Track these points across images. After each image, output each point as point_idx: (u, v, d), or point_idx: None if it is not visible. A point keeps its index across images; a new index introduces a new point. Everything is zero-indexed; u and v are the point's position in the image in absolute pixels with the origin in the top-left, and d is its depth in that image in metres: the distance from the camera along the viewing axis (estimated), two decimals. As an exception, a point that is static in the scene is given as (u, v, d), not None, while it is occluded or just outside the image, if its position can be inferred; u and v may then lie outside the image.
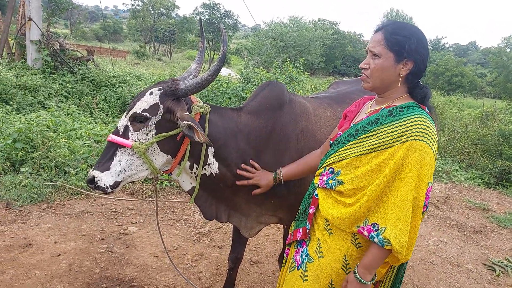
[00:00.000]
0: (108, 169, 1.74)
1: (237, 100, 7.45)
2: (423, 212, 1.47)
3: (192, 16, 45.55)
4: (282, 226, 2.44)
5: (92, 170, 1.75)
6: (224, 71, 13.57)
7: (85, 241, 3.45)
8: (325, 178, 1.63)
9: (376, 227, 1.43)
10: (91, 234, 3.57)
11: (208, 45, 46.36)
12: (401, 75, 1.51)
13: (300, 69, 9.73)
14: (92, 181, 1.74)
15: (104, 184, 1.73)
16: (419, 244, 4.33)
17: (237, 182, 1.98)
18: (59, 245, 3.32)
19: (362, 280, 1.48)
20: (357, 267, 1.50)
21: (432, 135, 1.42)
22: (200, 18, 1.98)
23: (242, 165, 1.98)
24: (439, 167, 7.54)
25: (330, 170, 1.62)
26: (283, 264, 1.96)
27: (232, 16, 46.98)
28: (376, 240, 1.43)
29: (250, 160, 2.00)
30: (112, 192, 1.77)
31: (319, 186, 1.66)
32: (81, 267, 3.05)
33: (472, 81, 40.85)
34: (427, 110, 1.52)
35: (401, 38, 1.47)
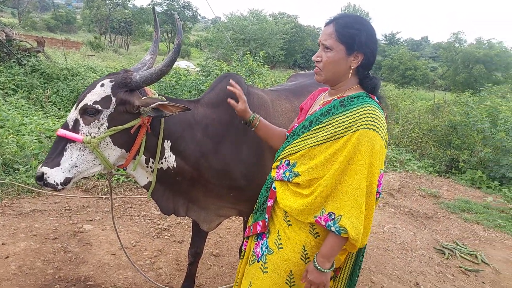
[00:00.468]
0: (58, 165, 1.66)
1: (196, 93, 7.36)
2: (376, 198, 1.52)
3: (149, 6, 44.32)
4: (242, 218, 2.44)
5: (41, 167, 1.67)
6: (183, 64, 13.33)
7: (37, 241, 3.29)
8: (281, 170, 1.65)
9: (333, 216, 1.46)
10: (43, 234, 3.41)
11: (166, 37, 45.41)
12: (352, 67, 1.55)
13: (260, 62, 9.74)
14: (41, 178, 1.66)
15: (54, 181, 1.66)
16: (375, 231, 4.49)
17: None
18: (7, 247, 3.14)
19: (321, 269, 1.51)
20: (316, 256, 1.53)
21: (381, 123, 1.47)
22: (153, 7, 1.92)
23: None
24: (393, 157, 7.85)
25: (286, 162, 1.64)
26: (241, 257, 1.96)
27: (191, 8, 46.25)
28: (333, 228, 1.46)
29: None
30: (63, 189, 1.69)
31: (276, 179, 1.67)
32: (32, 268, 2.91)
33: (424, 74, 42.71)
34: (376, 100, 1.56)
35: (352, 31, 1.51)
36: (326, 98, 1.68)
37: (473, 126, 8.16)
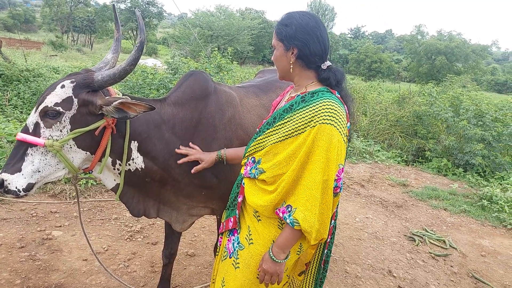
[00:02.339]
0: (19, 170, 1.59)
1: (165, 92, 7.24)
2: (336, 193, 1.53)
3: (112, 3, 43.19)
4: (216, 217, 2.43)
5: (1, 173, 1.59)
6: (150, 62, 13.10)
7: (2, 251, 3.15)
8: (248, 168, 1.66)
9: (289, 208, 1.49)
10: (8, 243, 3.27)
11: (132, 34, 44.41)
12: (291, 62, 1.59)
13: (229, 58, 9.70)
14: (1, 185, 1.58)
15: (16, 187, 1.58)
16: (348, 222, 4.58)
17: (179, 161, 1.91)
18: (-29, 258, 2.99)
19: (275, 259, 1.54)
20: (272, 247, 1.56)
21: (340, 118, 1.48)
22: (113, 4, 1.85)
23: (181, 146, 1.93)
24: (362, 149, 8.02)
25: (252, 159, 1.66)
26: (216, 254, 1.96)
27: (156, 4, 45.39)
28: (288, 220, 1.49)
29: (190, 143, 1.96)
30: (25, 195, 1.62)
31: (244, 175, 1.69)
32: (-2, 279, 2.79)
33: (389, 66, 43.84)
34: (337, 95, 1.58)
35: (282, 28, 1.58)
36: (291, 94, 1.70)
37: (437, 115, 8.44)
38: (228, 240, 1.79)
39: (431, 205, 5.53)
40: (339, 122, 1.47)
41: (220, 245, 1.92)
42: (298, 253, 1.66)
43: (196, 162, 1.95)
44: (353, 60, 46.17)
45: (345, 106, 1.58)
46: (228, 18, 35.11)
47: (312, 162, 1.45)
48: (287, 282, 1.81)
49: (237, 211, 1.73)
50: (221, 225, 1.90)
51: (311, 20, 1.56)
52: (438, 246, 4.24)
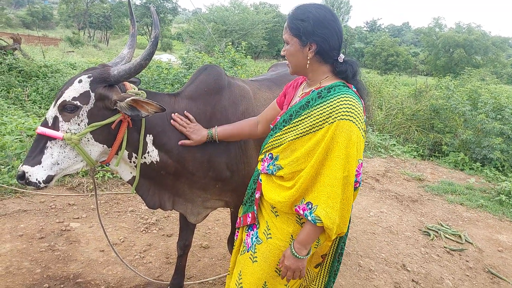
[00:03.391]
0: (39, 163, 1.65)
1: (179, 86, 7.30)
2: (355, 188, 1.54)
3: None
4: (230, 209, 2.45)
5: (22, 166, 1.65)
6: (165, 57, 13.20)
7: (23, 241, 3.25)
8: (266, 164, 1.66)
9: (310, 206, 1.49)
10: (29, 234, 3.37)
11: (147, 30, 44.73)
12: (308, 58, 1.54)
13: (243, 53, 9.70)
14: (22, 177, 1.64)
15: (36, 179, 1.64)
16: (362, 216, 4.56)
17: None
18: (-7, 248, 3.10)
19: (297, 255, 1.55)
20: (293, 243, 1.57)
21: (358, 113, 1.47)
22: (129, 0, 1.88)
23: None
24: (378, 143, 7.95)
25: (270, 155, 1.65)
26: (233, 247, 1.98)
27: (171, 0, 45.55)
28: (309, 218, 1.49)
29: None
30: (45, 187, 1.68)
31: (262, 172, 1.69)
32: (20, 268, 2.88)
33: (406, 60, 43.15)
34: (353, 89, 1.56)
35: (298, 23, 1.52)
36: (305, 89, 1.67)
37: (455, 109, 8.29)
38: (247, 235, 1.80)
39: (447, 200, 5.47)
40: (358, 117, 1.46)
41: (237, 239, 1.94)
42: (316, 246, 1.66)
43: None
44: (369, 54, 45.60)
45: (362, 100, 1.56)
46: (242, 13, 35.02)
47: (331, 159, 1.45)
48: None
49: (255, 207, 1.74)
50: (238, 220, 1.91)
51: (328, 13, 1.52)
52: (453, 240, 4.20)
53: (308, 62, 1.55)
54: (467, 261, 3.79)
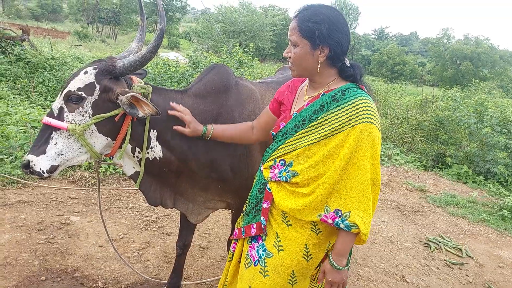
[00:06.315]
0: (44, 152, 1.65)
1: (185, 85, 7.30)
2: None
3: (138, -4, 43.67)
4: (231, 211, 2.43)
5: (27, 155, 1.67)
6: (172, 55, 13.22)
7: (22, 232, 3.24)
8: (277, 170, 1.59)
9: (340, 213, 1.45)
10: (29, 225, 3.36)
11: (155, 27, 44.79)
12: (319, 61, 1.50)
13: (250, 54, 9.69)
14: (27, 166, 1.65)
15: (40, 169, 1.65)
16: (363, 224, 4.52)
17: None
18: (-8, 238, 3.09)
19: (338, 267, 1.52)
20: (331, 256, 1.53)
21: (377, 115, 1.47)
22: (138, -6, 1.88)
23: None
24: (381, 151, 7.91)
25: (281, 161, 1.59)
26: (229, 259, 1.91)
27: (181, -2, 45.69)
28: (342, 226, 1.45)
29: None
30: (49, 176, 1.69)
31: (272, 179, 1.61)
32: (18, 259, 2.87)
33: (413, 69, 43.10)
34: (365, 90, 1.54)
35: (312, 25, 1.45)
36: (310, 93, 1.61)
37: (460, 121, 8.25)
38: (251, 246, 1.71)
39: (449, 212, 5.43)
40: (377, 119, 1.46)
41: (233, 250, 1.86)
42: (326, 250, 1.62)
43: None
44: (376, 61, 45.56)
45: None
46: (251, 14, 35.09)
47: (357, 163, 1.42)
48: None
49: (262, 217, 1.65)
50: (238, 231, 1.81)
51: (341, 16, 1.49)
52: (454, 254, 4.16)
53: (319, 66, 1.50)
54: (467, 275, 3.75)
